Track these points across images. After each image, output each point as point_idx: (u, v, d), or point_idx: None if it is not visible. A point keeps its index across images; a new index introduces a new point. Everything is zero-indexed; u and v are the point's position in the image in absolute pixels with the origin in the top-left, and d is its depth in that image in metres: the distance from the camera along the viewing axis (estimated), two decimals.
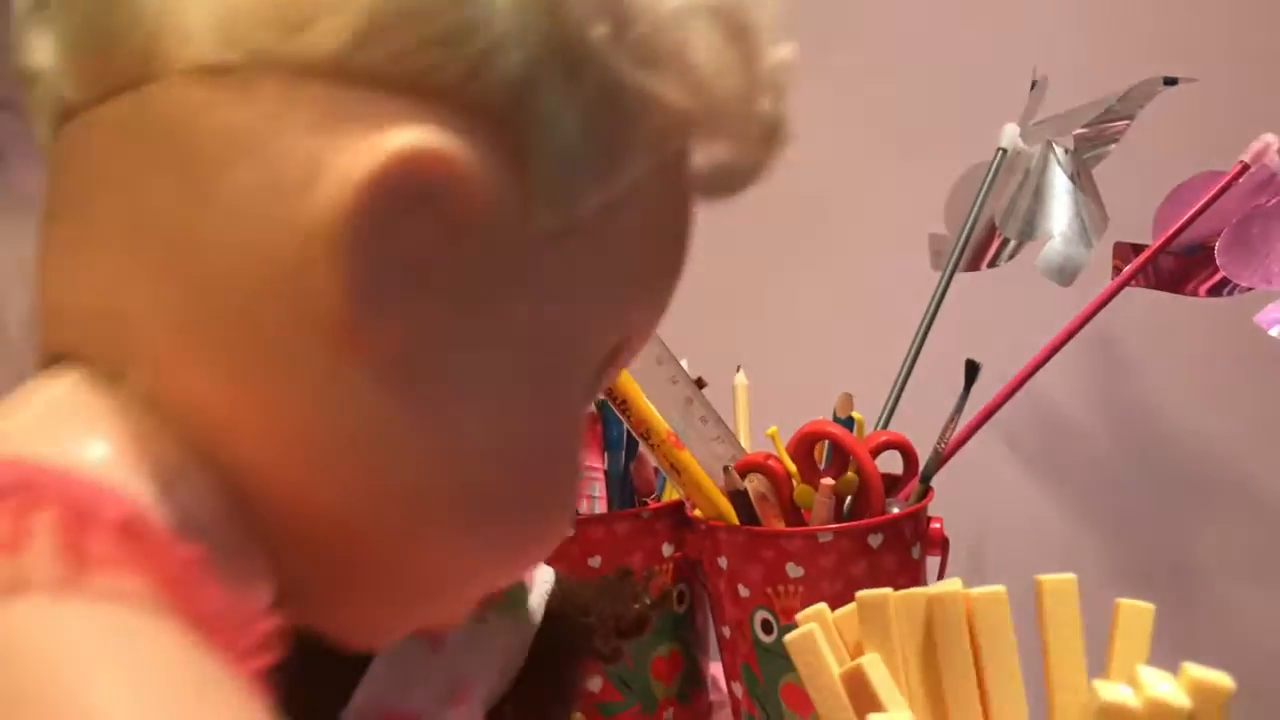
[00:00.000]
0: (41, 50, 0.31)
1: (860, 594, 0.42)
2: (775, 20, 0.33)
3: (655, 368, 0.71)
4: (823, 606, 0.44)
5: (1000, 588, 0.40)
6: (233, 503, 0.29)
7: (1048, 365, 1.01)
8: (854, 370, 0.78)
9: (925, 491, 0.72)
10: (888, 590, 0.42)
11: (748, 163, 0.35)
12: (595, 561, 0.75)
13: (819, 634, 0.42)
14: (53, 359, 0.31)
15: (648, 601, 0.44)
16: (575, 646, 0.41)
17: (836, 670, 0.41)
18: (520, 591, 0.41)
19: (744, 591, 0.69)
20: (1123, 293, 1.00)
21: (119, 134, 0.29)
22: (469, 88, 0.28)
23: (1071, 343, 1.05)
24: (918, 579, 0.70)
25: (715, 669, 0.80)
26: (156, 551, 0.26)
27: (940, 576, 0.75)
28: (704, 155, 0.34)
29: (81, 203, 0.30)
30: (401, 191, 0.27)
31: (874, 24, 0.97)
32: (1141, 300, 0.97)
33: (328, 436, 0.29)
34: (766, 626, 0.69)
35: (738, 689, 0.72)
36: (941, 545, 0.74)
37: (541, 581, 0.42)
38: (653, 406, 0.69)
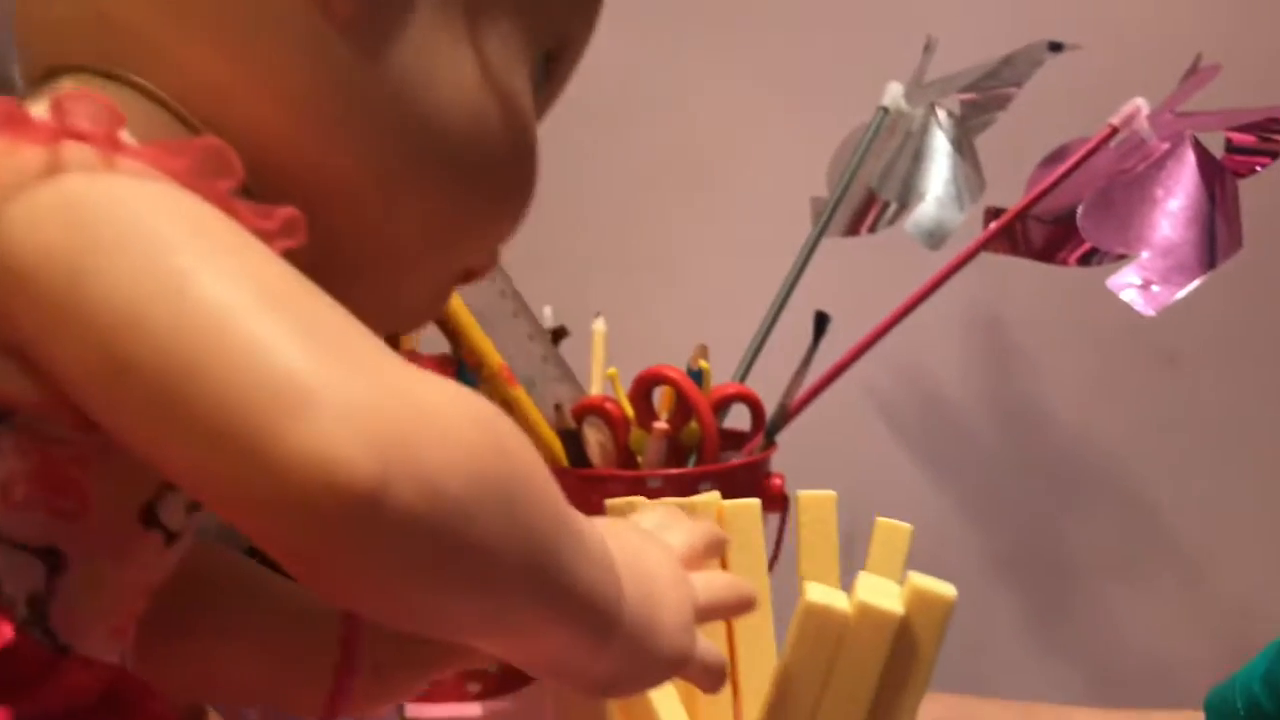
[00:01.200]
0: None
1: (609, 502, 0.40)
2: None
3: (498, 300, 0.69)
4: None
5: (754, 501, 0.38)
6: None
7: (940, 353, 1.01)
8: (722, 326, 0.75)
9: (768, 446, 0.69)
10: (639, 498, 0.40)
11: None
12: None
13: None
14: (41, 77, 0.33)
15: None
16: None
17: None
18: None
19: None
20: (1012, 279, 0.99)
21: None
22: None
23: (962, 330, 1.04)
24: None
25: None
26: (180, 151, 0.29)
27: (780, 537, 0.73)
28: None
29: None
30: None
31: None
32: (1030, 288, 0.95)
33: (310, 91, 0.32)
34: None
35: None
36: (781, 501, 0.71)
37: None
38: (489, 340, 0.66)
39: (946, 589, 0.31)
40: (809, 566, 0.37)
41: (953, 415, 0.98)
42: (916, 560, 1.09)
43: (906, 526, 0.38)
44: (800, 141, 0.87)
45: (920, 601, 0.31)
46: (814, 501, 0.38)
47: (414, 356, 0.80)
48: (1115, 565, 1.05)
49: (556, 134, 0.92)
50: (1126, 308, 0.67)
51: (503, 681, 0.75)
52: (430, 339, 0.82)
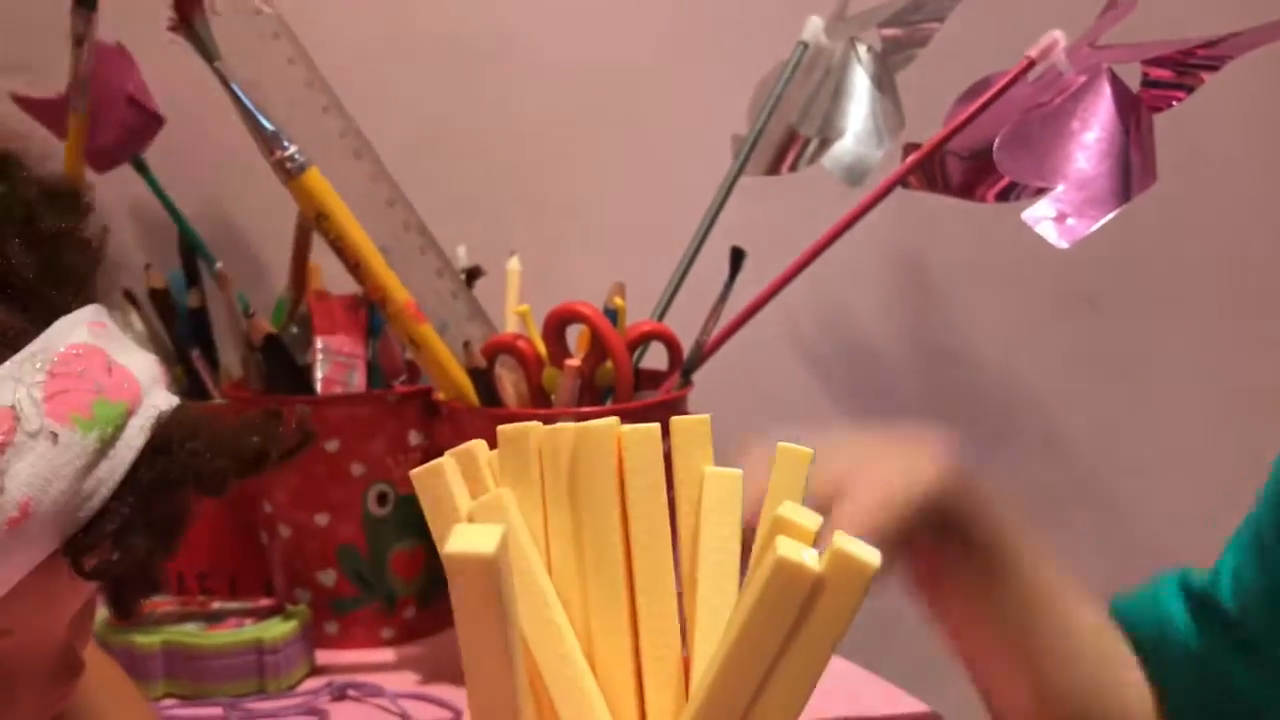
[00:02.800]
0: None
1: (501, 428, 0.39)
2: None
3: (403, 233, 0.67)
4: (476, 443, 0.40)
5: (653, 425, 0.37)
6: None
7: (861, 293, 1.00)
8: (641, 265, 0.74)
9: (684, 385, 0.68)
10: (534, 424, 0.38)
11: None
12: (333, 445, 0.69)
13: (450, 468, 0.38)
14: None
15: (284, 446, 0.39)
16: (169, 474, 0.37)
17: (465, 506, 0.37)
18: (112, 407, 0.36)
19: None
20: (936, 221, 0.98)
21: None
22: None
23: (884, 270, 1.03)
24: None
25: None
26: None
27: None
28: None
29: None
30: None
31: None
32: (953, 230, 0.95)
33: None
34: None
35: None
36: None
37: (150, 406, 0.38)
38: (394, 274, 0.64)
39: (870, 555, 0.30)
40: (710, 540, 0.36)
41: (873, 356, 0.98)
42: None
43: (807, 450, 0.37)
44: (721, 78, 0.86)
45: (839, 565, 0.30)
46: (686, 425, 0.37)
47: (323, 296, 0.78)
48: (1032, 504, 1.06)
49: (471, 74, 0.91)
50: (1048, 251, 0.67)
51: (415, 627, 0.73)
52: (341, 278, 0.80)
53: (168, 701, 0.64)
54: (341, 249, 0.61)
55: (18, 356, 0.35)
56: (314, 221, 0.61)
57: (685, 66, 0.91)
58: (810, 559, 0.30)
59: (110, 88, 0.74)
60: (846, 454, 0.49)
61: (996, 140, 0.67)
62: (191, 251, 0.79)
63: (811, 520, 0.33)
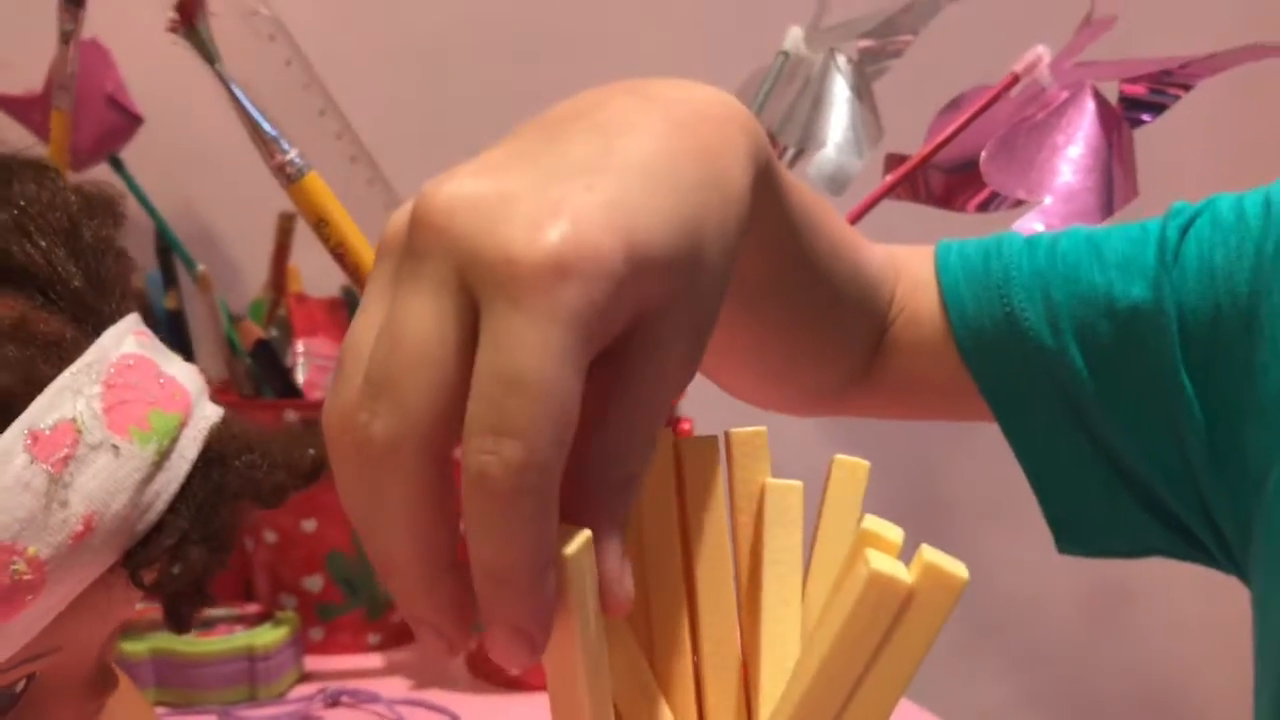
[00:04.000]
0: None
1: None
2: None
3: (366, 189, 0.67)
4: None
5: (714, 436, 0.37)
6: None
7: None
8: None
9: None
10: None
11: None
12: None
13: None
14: None
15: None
16: (226, 486, 0.36)
17: None
18: (167, 418, 0.36)
19: None
20: (905, 225, 1.00)
21: None
22: None
23: None
24: None
25: None
26: None
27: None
28: None
29: None
30: None
31: None
32: (916, 231, 0.97)
33: None
34: None
35: None
36: None
37: (201, 418, 0.37)
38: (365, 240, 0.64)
39: (959, 568, 0.31)
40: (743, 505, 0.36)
41: None
42: (808, 501, 1.11)
43: (865, 463, 0.37)
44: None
45: (930, 576, 0.31)
46: (746, 438, 0.38)
47: (303, 299, 0.78)
48: (989, 507, 1.09)
49: (461, 74, 0.91)
50: None
51: (402, 632, 0.73)
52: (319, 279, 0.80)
53: (159, 710, 0.63)
54: (342, 254, 0.61)
55: (73, 368, 0.35)
56: (315, 227, 0.60)
57: (664, 72, 0.92)
58: (903, 574, 0.30)
59: (89, 85, 0.73)
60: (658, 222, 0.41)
61: (983, 153, 0.69)
62: (168, 252, 0.77)
63: (897, 535, 0.33)
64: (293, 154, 0.60)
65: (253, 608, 0.69)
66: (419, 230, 0.26)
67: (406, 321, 0.26)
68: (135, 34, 0.76)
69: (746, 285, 0.41)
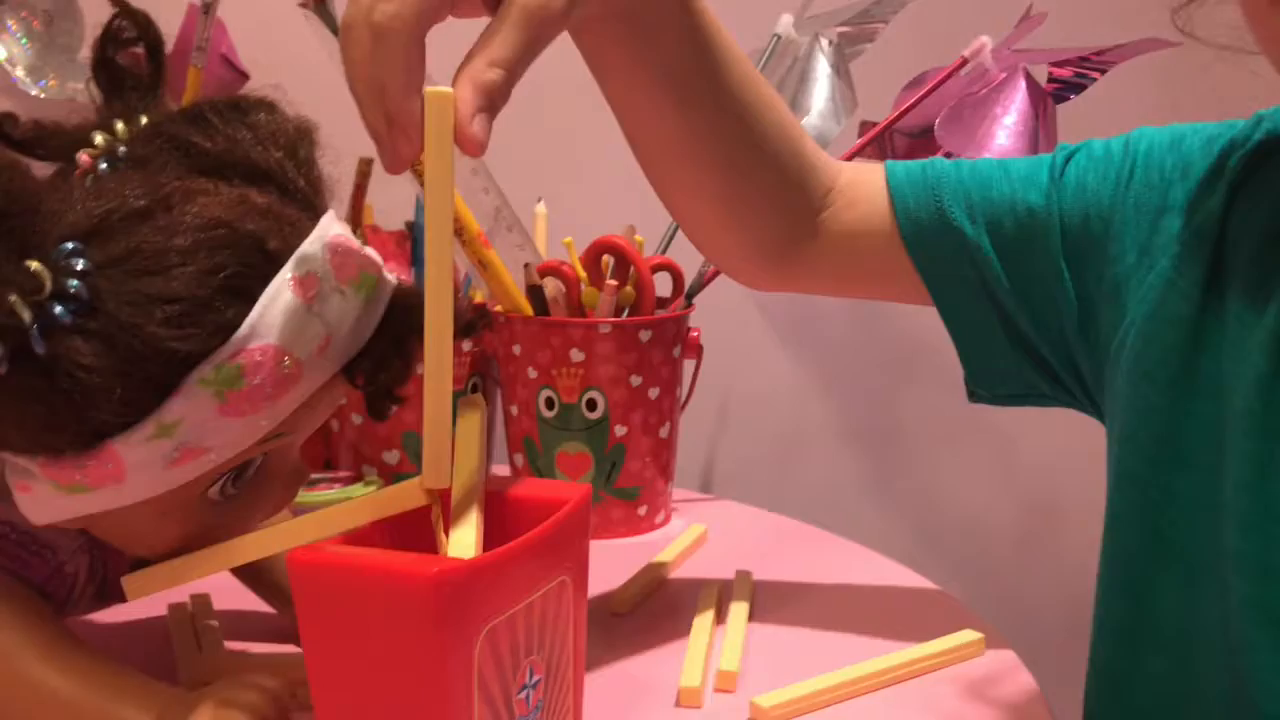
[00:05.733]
0: None
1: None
2: None
3: (470, 178, 0.82)
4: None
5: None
6: None
7: None
8: (645, 211, 0.90)
9: (688, 306, 0.85)
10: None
11: None
12: None
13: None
14: None
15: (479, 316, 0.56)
16: (410, 323, 0.52)
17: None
18: (370, 275, 0.52)
19: (532, 374, 0.82)
20: None
21: None
22: None
23: None
24: (676, 374, 0.84)
25: None
26: None
27: (694, 380, 0.89)
28: None
29: None
30: None
31: None
32: None
33: None
34: (549, 403, 0.82)
35: (519, 459, 0.85)
36: (697, 351, 0.88)
37: (388, 278, 0.53)
38: (468, 209, 0.80)
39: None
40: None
41: (811, 301, 1.15)
42: (776, 428, 1.26)
43: (448, 91, 0.44)
44: None
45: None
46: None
47: (376, 230, 0.94)
48: (940, 434, 1.24)
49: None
50: None
51: None
52: (388, 215, 0.96)
53: None
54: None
55: (310, 238, 0.51)
56: (413, 168, 0.76)
57: None
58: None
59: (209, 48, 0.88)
60: None
61: (937, 121, 0.86)
62: None
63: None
64: None
65: (343, 473, 0.85)
66: None
67: None
68: (242, 5, 0.92)
69: (668, 63, 0.57)
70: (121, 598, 0.53)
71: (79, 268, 0.45)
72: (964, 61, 0.86)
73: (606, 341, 0.80)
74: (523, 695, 0.47)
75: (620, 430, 0.81)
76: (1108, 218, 0.61)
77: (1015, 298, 0.64)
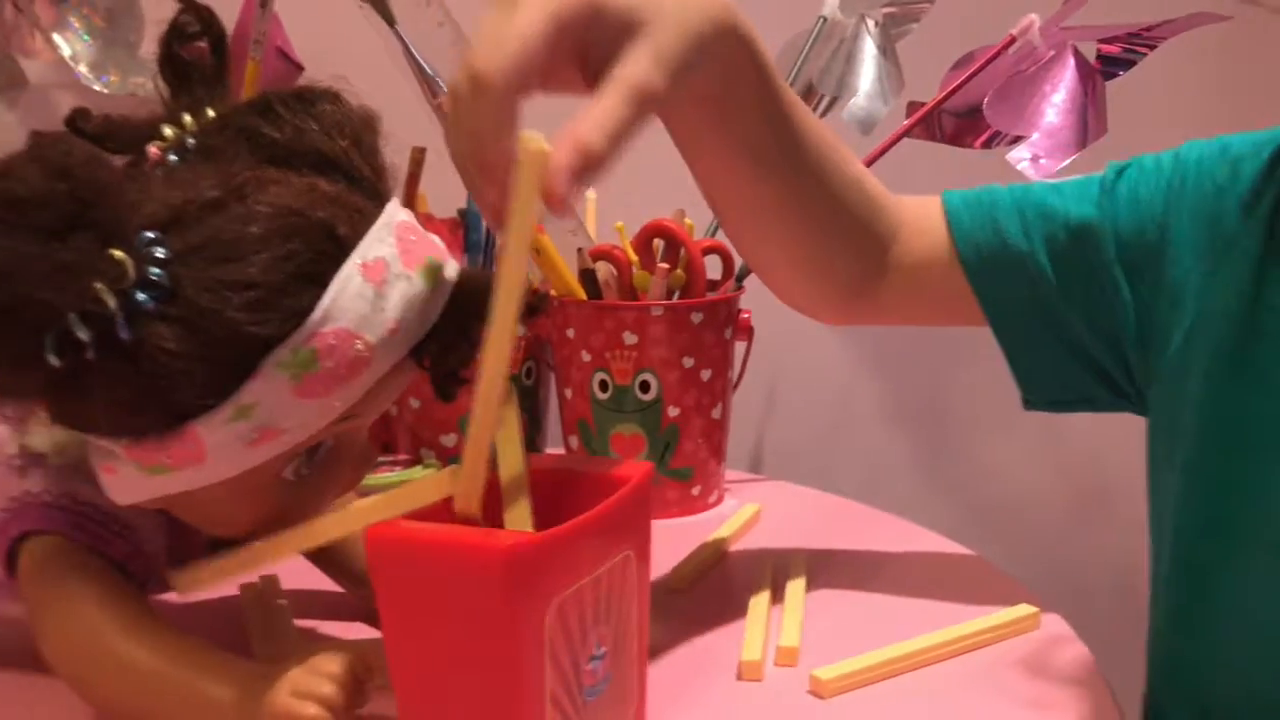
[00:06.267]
0: None
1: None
2: None
3: None
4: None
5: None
6: None
7: None
8: (694, 194, 0.91)
9: (738, 288, 0.86)
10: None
11: None
12: None
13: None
14: None
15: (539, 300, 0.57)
16: (479, 304, 0.54)
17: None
18: (435, 260, 0.53)
19: (586, 357, 0.83)
20: (918, 161, 1.16)
21: None
22: None
23: None
24: (728, 355, 0.85)
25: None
26: None
27: (745, 362, 0.90)
28: None
29: None
30: None
31: None
32: (932, 173, 1.13)
33: None
34: (603, 386, 0.83)
35: (574, 441, 0.86)
36: (748, 332, 0.89)
37: (451, 265, 0.55)
38: None
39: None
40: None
41: None
42: (825, 410, 1.26)
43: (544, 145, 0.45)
44: None
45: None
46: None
47: (430, 218, 0.95)
48: (989, 415, 1.24)
49: None
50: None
51: None
52: (442, 203, 0.97)
53: None
54: None
55: (376, 225, 0.52)
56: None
57: None
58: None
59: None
60: None
61: (986, 99, 0.86)
62: None
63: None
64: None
65: (402, 456, 0.87)
66: None
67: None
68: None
69: (751, 141, 0.60)
70: None
71: (160, 256, 0.47)
72: (1012, 40, 0.87)
73: (659, 324, 0.81)
74: (591, 666, 0.49)
75: (673, 411, 0.82)
76: (1164, 225, 0.63)
77: (1073, 310, 0.66)
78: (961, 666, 0.61)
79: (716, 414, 0.85)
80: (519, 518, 0.48)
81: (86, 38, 0.91)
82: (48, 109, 0.96)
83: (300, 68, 0.93)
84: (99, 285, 0.45)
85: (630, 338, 0.81)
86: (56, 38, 0.91)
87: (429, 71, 0.76)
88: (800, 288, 0.70)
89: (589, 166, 0.47)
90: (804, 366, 1.18)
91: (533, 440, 0.92)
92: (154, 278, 0.46)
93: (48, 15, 0.92)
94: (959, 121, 0.91)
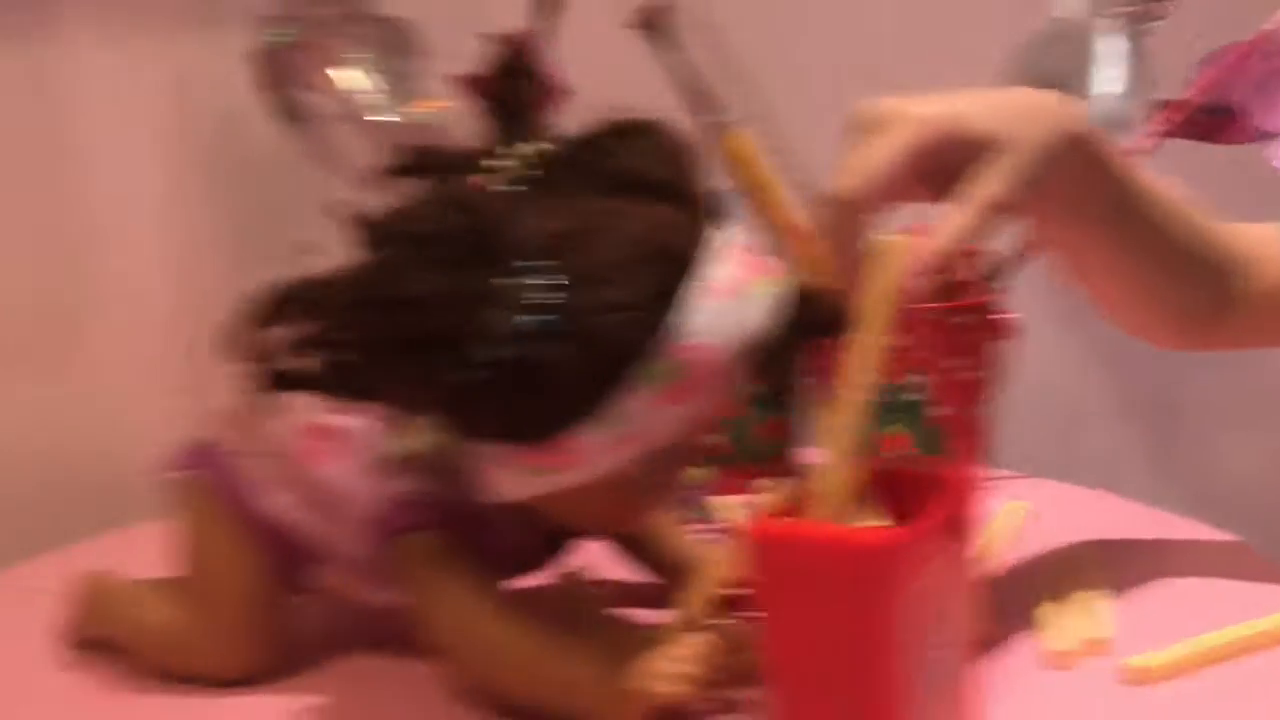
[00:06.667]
0: None
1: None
2: None
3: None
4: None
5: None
6: None
7: None
8: None
9: (998, 290, 0.88)
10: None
11: None
12: None
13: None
14: None
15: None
16: (814, 317, 0.57)
17: None
18: (767, 282, 0.57)
19: None
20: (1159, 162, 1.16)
21: None
22: None
23: None
24: (990, 355, 0.87)
25: None
26: None
27: (1004, 362, 0.92)
28: None
29: None
30: None
31: None
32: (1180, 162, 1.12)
33: None
34: None
35: None
36: (1010, 332, 0.91)
37: (783, 276, 0.59)
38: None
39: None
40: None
41: None
42: (1056, 405, 1.26)
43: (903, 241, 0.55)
44: (974, 46, 1.04)
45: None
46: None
47: None
48: (1225, 411, 1.23)
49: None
50: (1267, 192, 0.84)
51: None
52: None
53: None
54: (755, 192, 0.82)
55: (715, 246, 0.57)
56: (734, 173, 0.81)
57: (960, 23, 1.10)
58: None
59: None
60: (980, 111, 0.58)
61: (1242, 97, 0.87)
62: None
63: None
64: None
65: None
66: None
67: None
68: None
69: (1095, 223, 0.64)
70: (527, 569, 0.63)
71: (543, 282, 0.52)
72: (1266, 35, 0.87)
73: (925, 325, 0.84)
74: (934, 655, 0.52)
75: (939, 411, 0.85)
76: None
77: None
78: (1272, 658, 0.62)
79: (980, 413, 0.87)
80: (872, 517, 0.52)
81: (367, 73, 0.98)
82: (330, 141, 1.03)
83: (570, 91, 0.98)
84: (495, 310, 0.51)
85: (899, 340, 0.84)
86: (341, 72, 0.98)
87: (702, 92, 0.80)
88: (1145, 324, 0.72)
89: (939, 268, 0.55)
90: (1038, 362, 1.18)
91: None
92: (539, 302, 0.52)
93: (330, 52, 0.99)
94: (1212, 119, 0.91)
